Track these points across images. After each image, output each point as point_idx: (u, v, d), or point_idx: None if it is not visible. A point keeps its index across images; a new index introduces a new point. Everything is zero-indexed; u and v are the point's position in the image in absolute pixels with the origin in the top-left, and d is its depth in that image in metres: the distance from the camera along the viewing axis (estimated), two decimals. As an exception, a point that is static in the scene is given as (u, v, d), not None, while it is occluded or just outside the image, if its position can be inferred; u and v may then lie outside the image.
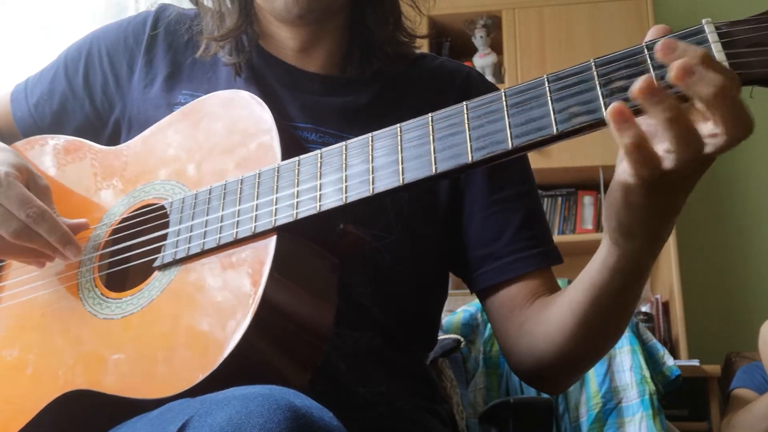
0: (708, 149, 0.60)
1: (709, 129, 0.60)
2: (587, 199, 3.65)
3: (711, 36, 0.60)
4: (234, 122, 0.86)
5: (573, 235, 3.56)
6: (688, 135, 0.59)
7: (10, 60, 1.79)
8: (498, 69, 3.78)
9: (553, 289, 0.96)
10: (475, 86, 1.06)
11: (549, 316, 0.89)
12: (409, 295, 0.98)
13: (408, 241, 0.96)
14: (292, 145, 0.82)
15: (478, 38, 3.82)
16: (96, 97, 1.07)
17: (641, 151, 0.60)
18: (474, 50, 3.83)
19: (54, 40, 1.82)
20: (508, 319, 0.96)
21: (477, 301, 2.04)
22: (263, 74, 1.02)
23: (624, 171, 0.64)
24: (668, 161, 0.61)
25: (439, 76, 1.06)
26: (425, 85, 1.04)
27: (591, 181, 3.57)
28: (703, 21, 0.61)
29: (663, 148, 0.61)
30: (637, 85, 0.58)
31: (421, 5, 1.06)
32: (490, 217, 0.99)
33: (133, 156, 0.95)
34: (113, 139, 1.05)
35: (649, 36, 0.63)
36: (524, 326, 0.93)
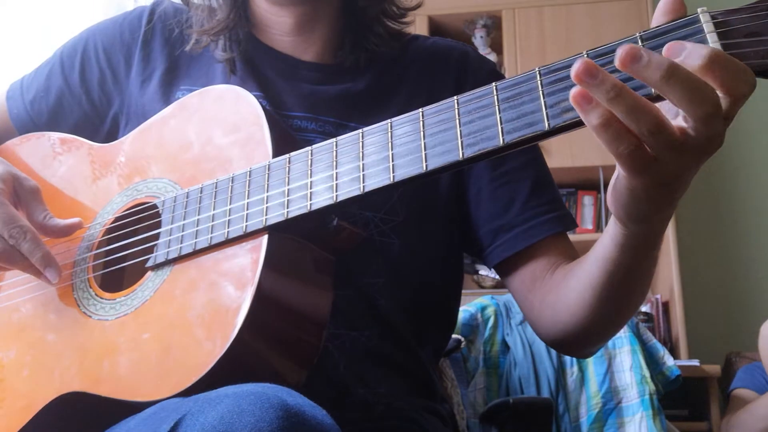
0: (691, 133, 0.59)
1: (681, 117, 0.60)
2: (587, 199, 3.64)
3: (707, 26, 0.59)
4: (225, 118, 0.86)
5: (573, 234, 3.55)
6: (636, 110, 0.57)
7: (11, 60, 1.80)
8: (495, 63, 3.77)
9: (571, 255, 0.94)
10: (472, 62, 1.05)
11: (568, 289, 0.88)
12: (420, 282, 0.98)
13: (415, 221, 0.95)
14: (284, 141, 0.82)
15: (478, 38, 3.82)
16: (93, 93, 1.07)
17: (610, 129, 0.59)
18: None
19: (54, 40, 1.82)
20: (531, 292, 0.95)
21: (477, 300, 2.05)
22: (259, 65, 1.02)
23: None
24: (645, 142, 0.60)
25: (434, 55, 1.05)
26: (421, 66, 1.04)
27: (591, 181, 3.57)
28: (699, 10, 0.60)
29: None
30: (574, 69, 0.57)
31: None
32: (497, 190, 0.98)
33: (126, 153, 0.95)
34: (112, 135, 1.05)
35: (661, 8, 0.62)
36: (546, 298, 0.93)
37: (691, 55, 0.56)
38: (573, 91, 0.58)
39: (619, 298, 0.83)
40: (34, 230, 0.84)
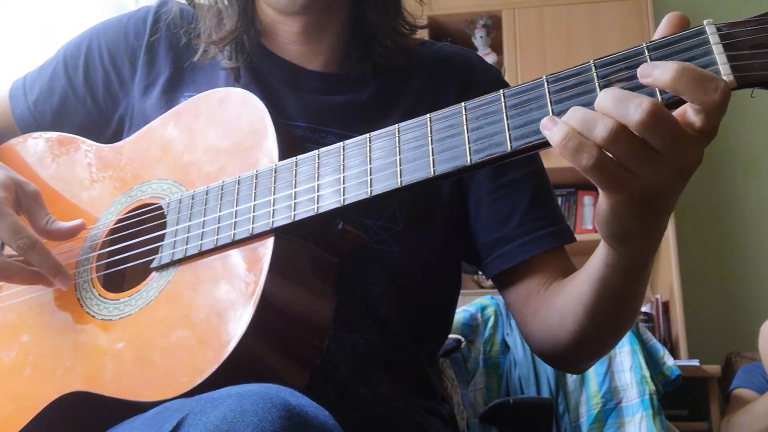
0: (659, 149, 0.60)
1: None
2: (587, 199, 3.64)
3: (712, 38, 0.59)
4: (231, 121, 0.86)
5: (573, 234, 3.55)
6: (613, 179, 0.62)
7: (11, 60, 1.79)
8: (499, 70, 3.77)
9: (568, 270, 0.95)
10: (476, 70, 1.05)
11: (561, 305, 0.88)
12: (419, 289, 0.98)
13: (414, 229, 0.95)
14: (290, 144, 0.82)
15: (478, 38, 3.82)
16: (98, 95, 1.06)
17: (570, 143, 0.61)
18: (474, 50, 3.82)
19: (54, 40, 1.82)
20: (525, 306, 0.96)
21: (478, 301, 2.05)
22: (264, 74, 1.01)
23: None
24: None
25: (439, 63, 1.05)
26: (425, 74, 1.04)
27: (591, 181, 3.57)
28: (705, 22, 0.60)
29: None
30: (554, 139, 0.61)
31: None
32: (498, 201, 0.98)
33: (129, 154, 0.95)
34: (117, 137, 1.04)
35: (664, 24, 0.63)
36: (540, 312, 0.93)
37: (663, 72, 0.59)
38: (542, 122, 0.63)
39: (609, 317, 0.84)
40: (40, 240, 0.83)
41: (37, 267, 0.83)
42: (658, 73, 0.59)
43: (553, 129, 0.62)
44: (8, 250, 0.87)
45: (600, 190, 0.65)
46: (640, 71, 0.60)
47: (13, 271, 0.84)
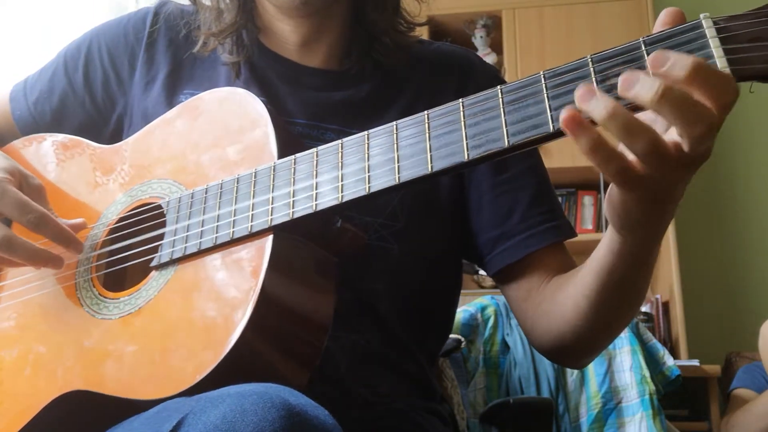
0: (685, 149, 0.60)
1: (672, 133, 0.60)
2: (587, 199, 3.65)
3: (709, 31, 0.59)
4: (230, 120, 0.86)
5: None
6: (632, 131, 0.58)
7: (11, 60, 1.80)
8: (498, 69, 3.78)
9: (568, 265, 0.95)
10: (475, 69, 1.06)
11: (563, 297, 0.88)
12: (419, 287, 0.98)
13: (415, 227, 0.96)
14: (289, 143, 0.82)
15: (478, 38, 3.83)
16: (97, 95, 1.06)
17: (599, 153, 0.60)
18: (474, 50, 3.82)
19: (54, 40, 1.82)
20: (526, 301, 0.96)
21: (478, 300, 2.05)
22: (263, 71, 1.02)
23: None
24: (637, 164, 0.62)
25: (437, 61, 1.06)
26: (425, 71, 1.04)
27: (591, 181, 3.57)
28: (701, 16, 0.60)
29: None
30: (563, 114, 0.59)
31: None
32: (498, 198, 0.99)
33: (129, 154, 0.95)
34: (115, 137, 1.04)
35: (661, 20, 0.63)
36: (541, 306, 0.93)
37: (675, 66, 0.56)
38: (563, 115, 0.59)
39: (612, 308, 0.84)
40: (48, 213, 0.84)
41: (50, 239, 0.83)
42: (639, 88, 0.57)
43: (582, 137, 0.59)
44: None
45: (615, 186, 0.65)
46: (623, 82, 0.57)
47: (18, 247, 0.83)
